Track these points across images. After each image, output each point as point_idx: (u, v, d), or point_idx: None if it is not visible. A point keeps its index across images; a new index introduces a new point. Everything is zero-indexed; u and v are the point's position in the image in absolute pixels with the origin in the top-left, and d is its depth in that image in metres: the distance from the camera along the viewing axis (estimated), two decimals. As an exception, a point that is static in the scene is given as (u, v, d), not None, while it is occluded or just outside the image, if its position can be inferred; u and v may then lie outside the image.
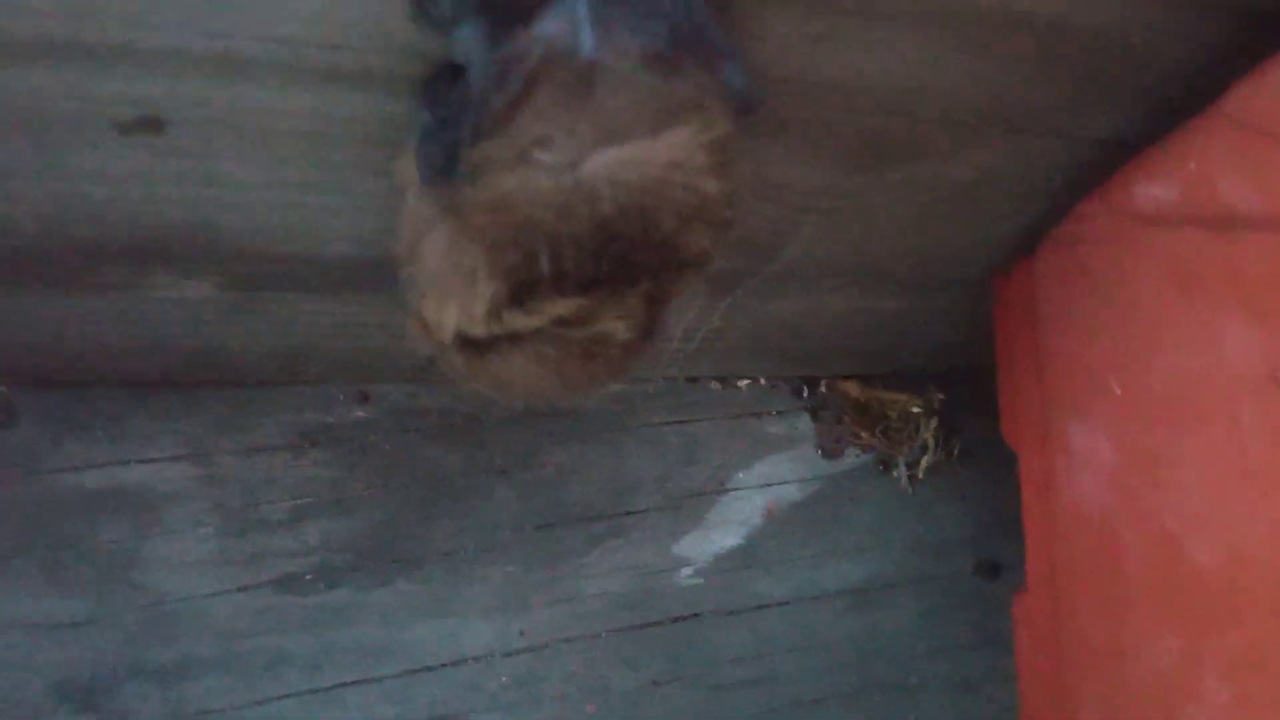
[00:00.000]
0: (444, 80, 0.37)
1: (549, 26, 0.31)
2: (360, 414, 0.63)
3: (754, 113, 0.35)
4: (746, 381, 0.72)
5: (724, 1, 0.34)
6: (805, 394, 0.73)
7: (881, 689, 0.73)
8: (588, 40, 0.30)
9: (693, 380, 0.71)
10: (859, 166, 0.47)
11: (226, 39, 0.35)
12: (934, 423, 0.75)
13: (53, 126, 0.38)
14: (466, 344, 0.41)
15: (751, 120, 0.35)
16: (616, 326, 0.40)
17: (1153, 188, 0.45)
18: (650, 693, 0.67)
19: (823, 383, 0.73)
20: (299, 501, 0.61)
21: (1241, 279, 0.39)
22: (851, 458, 0.74)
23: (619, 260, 0.35)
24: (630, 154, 0.32)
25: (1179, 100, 0.45)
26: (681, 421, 0.70)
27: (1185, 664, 0.43)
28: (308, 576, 0.61)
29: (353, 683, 0.61)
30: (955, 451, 0.75)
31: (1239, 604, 0.41)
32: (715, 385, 0.71)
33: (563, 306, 0.37)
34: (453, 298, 0.38)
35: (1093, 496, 0.49)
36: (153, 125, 0.38)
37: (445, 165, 0.37)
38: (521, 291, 0.36)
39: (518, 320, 0.38)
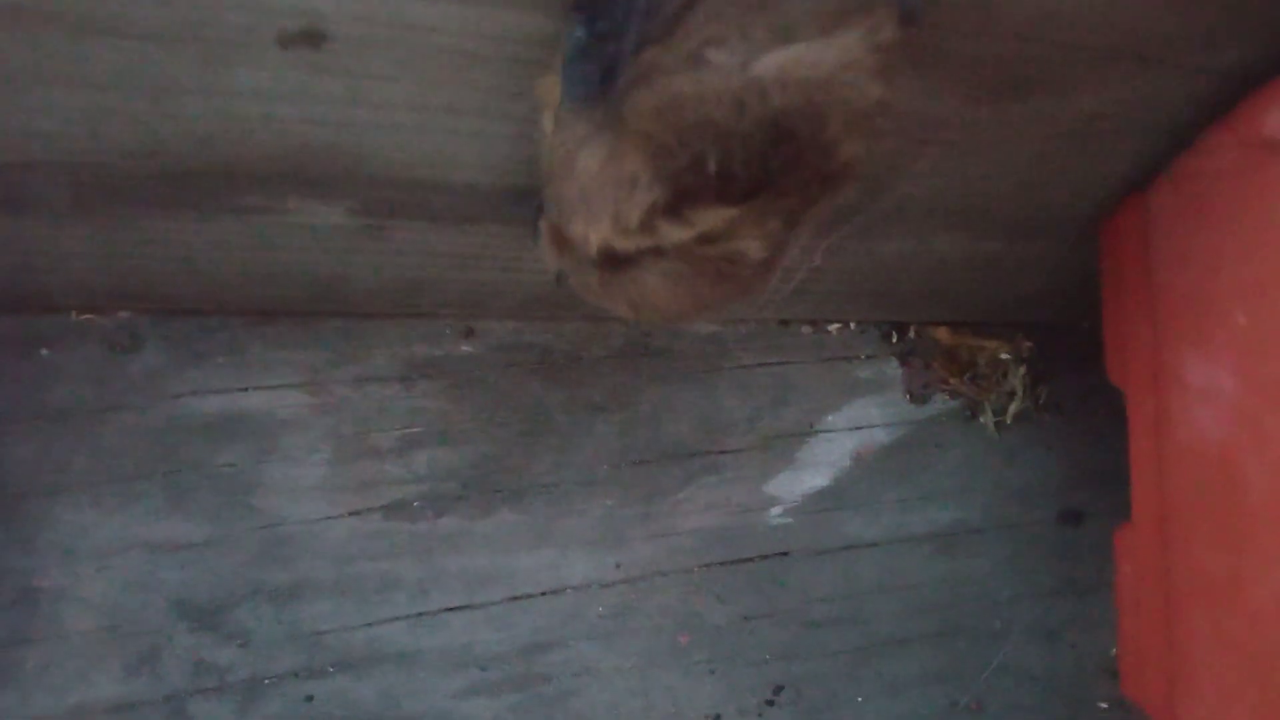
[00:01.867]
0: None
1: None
2: (466, 348, 0.64)
3: (916, 23, 0.35)
4: (837, 326, 0.72)
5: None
6: (894, 339, 0.74)
7: (966, 633, 0.74)
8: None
9: (784, 323, 0.71)
10: (984, 97, 0.48)
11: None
12: (1022, 370, 0.75)
13: (218, 40, 0.39)
14: (608, 259, 0.42)
15: (912, 32, 0.35)
16: (752, 245, 0.41)
17: (1276, 119, 0.45)
18: (740, 627, 0.69)
19: (912, 328, 0.74)
20: (408, 431, 0.62)
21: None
22: (939, 403, 0.74)
23: (782, 163, 0.35)
24: (802, 53, 0.33)
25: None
26: (773, 364, 0.71)
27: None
28: (416, 504, 0.62)
29: (458, 608, 0.63)
30: (1042, 400, 0.76)
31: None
32: (806, 329, 0.72)
33: (715, 217, 0.38)
34: (606, 210, 0.39)
35: (1211, 429, 0.50)
36: (314, 39, 0.40)
37: (603, 79, 0.38)
38: (682, 197, 0.37)
39: (668, 231, 0.39)
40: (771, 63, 0.33)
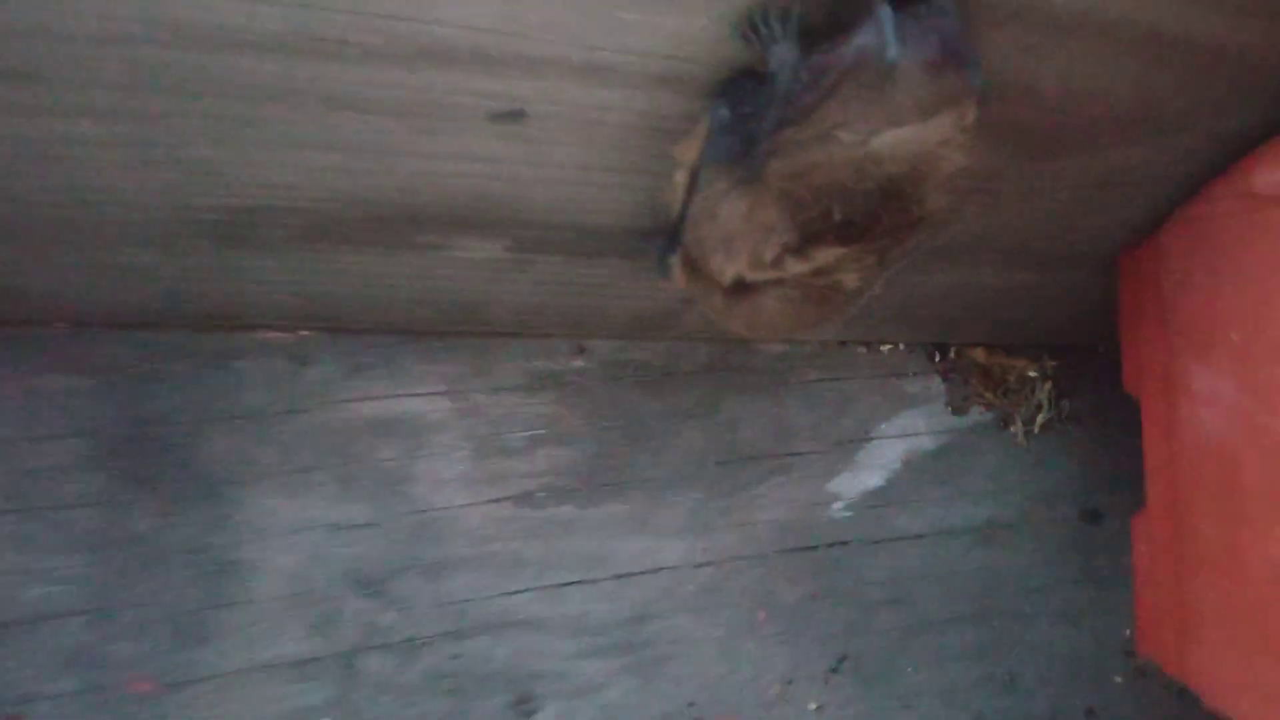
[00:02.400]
0: (745, 84, 0.49)
1: (862, 39, 0.43)
2: (578, 363, 0.75)
3: (985, 106, 0.47)
4: (888, 346, 0.84)
5: (967, 21, 0.46)
6: (937, 358, 0.85)
7: (1000, 615, 0.85)
8: (892, 51, 0.42)
9: (843, 344, 0.83)
10: (1028, 156, 0.59)
11: (598, 50, 0.47)
12: (1048, 386, 0.86)
13: (440, 116, 0.51)
14: (737, 288, 0.53)
15: (982, 113, 0.47)
16: (851, 277, 0.52)
17: (1268, 173, 0.56)
18: (808, 605, 0.79)
19: (952, 349, 0.85)
20: (532, 433, 0.74)
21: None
22: (976, 414, 0.85)
23: (883, 212, 0.47)
24: (910, 134, 0.44)
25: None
26: (833, 379, 0.82)
27: (1294, 547, 0.55)
28: (539, 494, 0.73)
29: (574, 583, 0.74)
30: (1065, 413, 0.87)
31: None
32: (861, 349, 0.83)
33: (830, 255, 0.49)
34: (745, 249, 0.50)
35: (1213, 426, 0.61)
36: (516, 116, 0.51)
37: (745, 149, 0.49)
38: (809, 240, 0.48)
39: (793, 266, 0.50)
40: (886, 141, 0.44)
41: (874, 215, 0.46)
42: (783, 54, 0.46)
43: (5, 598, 0.63)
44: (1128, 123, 0.57)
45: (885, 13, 0.42)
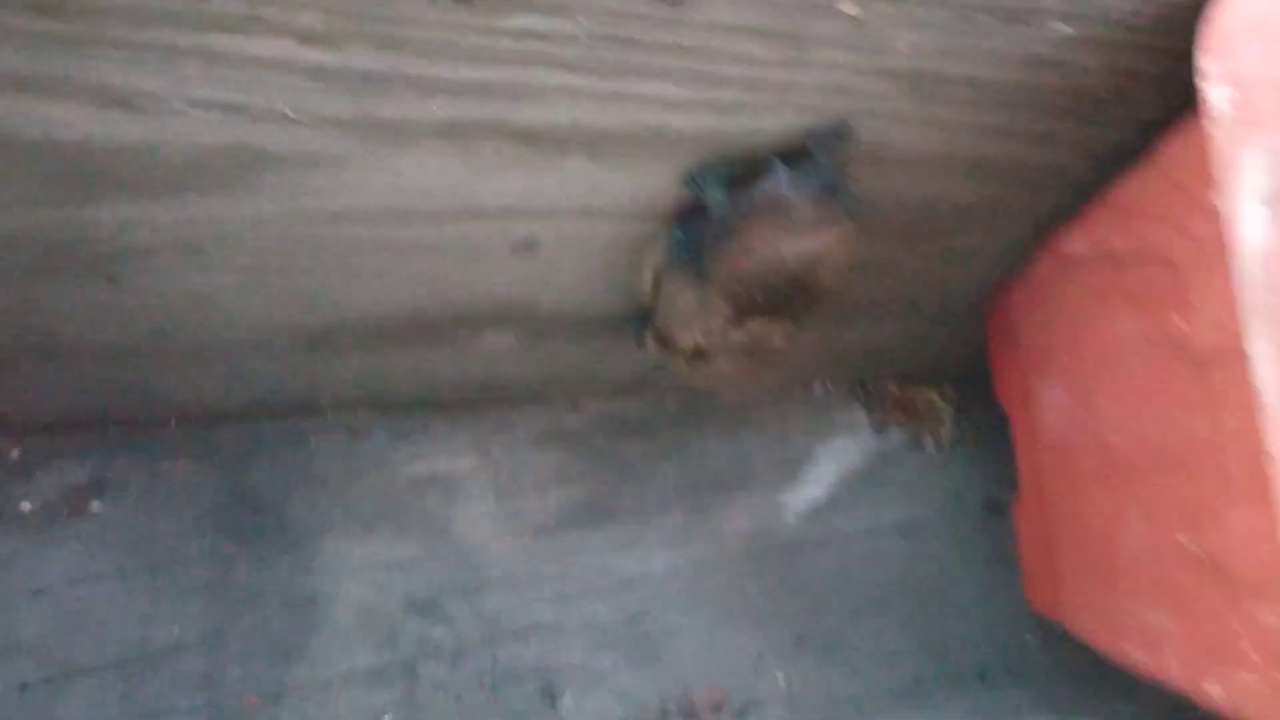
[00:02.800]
0: (692, 215, 0.69)
1: (767, 185, 0.64)
2: (573, 420, 0.95)
3: (857, 220, 0.68)
4: (818, 385, 1.04)
5: (840, 167, 0.67)
6: (860, 392, 1.06)
7: (928, 594, 1.04)
8: (787, 192, 0.63)
9: (783, 388, 1.03)
10: (898, 242, 0.80)
11: (590, 201, 0.67)
12: (950, 409, 1.07)
13: (480, 251, 0.71)
14: (696, 354, 0.74)
15: (855, 224, 0.68)
16: (777, 339, 0.73)
17: (1076, 244, 0.78)
18: (772, 594, 0.99)
19: (870, 384, 1.06)
20: (542, 477, 0.93)
21: (1123, 287, 0.72)
22: (894, 435, 1.06)
23: (794, 295, 0.67)
24: (808, 244, 0.65)
25: (1090, 191, 0.78)
26: (778, 416, 1.02)
27: (1116, 506, 0.76)
28: (551, 525, 0.92)
29: (583, 592, 0.92)
30: (966, 427, 1.08)
31: (1143, 466, 0.73)
32: (797, 388, 1.04)
33: (759, 325, 0.70)
34: (696, 325, 0.71)
35: (1057, 427, 0.82)
36: (531, 246, 0.71)
37: (693, 258, 0.70)
38: (742, 315, 0.68)
39: (733, 335, 0.70)
40: (789, 249, 0.65)
41: (787, 297, 0.67)
42: (715, 196, 0.66)
43: (141, 637, 0.81)
44: (966, 215, 0.78)
45: (779, 169, 0.63)
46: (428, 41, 0.51)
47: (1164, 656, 0.74)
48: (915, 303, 0.90)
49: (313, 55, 0.50)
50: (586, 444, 0.95)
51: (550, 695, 0.90)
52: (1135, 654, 0.77)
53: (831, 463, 1.03)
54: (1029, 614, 1.07)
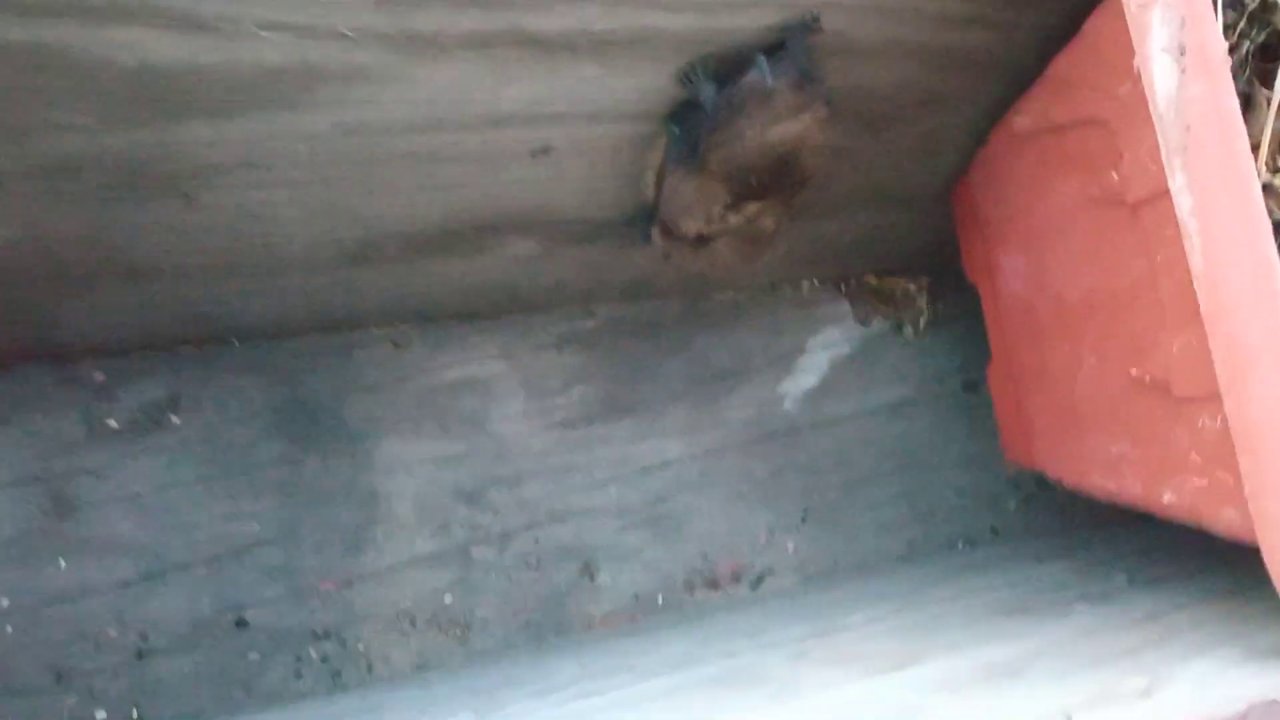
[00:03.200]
0: (688, 110, 0.79)
1: (751, 76, 0.74)
2: (589, 323, 1.05)
3: (831, 105, 0.78)
4: (806, 284, 1.15)
5: (814, 58, 0.77)
6: (842, 287, 1.16)
7: (915, 468, 1.15)
8: (769, 80, 0.73)
9: (774, 286, 1.14)
10: (866, 131, 0.90)
11: (598, 103, 0.77)
12: (924, 296, 1.18)
13: (499, 157, 0.80)
14: (698, 240, 0.84)
15: (829, 109, 0.78)
16: (768, 221, 0.83)
17: (1022, 119, 0.88)
18: (777, 476, 1.09)
19: (852, 279, 1.16)
20: (565, 377, 1.03)
21: (1065, 153, 0.83)
22: (877, 324, 1.17)
23: (781, 177, 0.77)
24: (790, 126, 0.75)
25: (1035, 72, 0.88)
26: (771, 313, 1.13)
27: (1075, 351, 0.87)
28: (577, 420, 1.03)
29: (611, 479, 1.03)
30: (940, 313, 1.18)
31: (1093, 312, 0.84)
32: (788, 289, 1.14)
33: (752, 208, 0.80)
34: (699, 212, 0.81)
35: (1018, 289, 0.93)
36: (547, 151, 0.81)
37: (691, 151, 0.79)
38: (738, 199, 0.78)
39: (731, 219, 0.81)
40: (774, 132, 0.75)
41: (776, 178, 0.77)
42: (707, 91, 0.76)
43: (222, 534, 0.91)
44: (926, 102, 0.88)
45: (761, 59, 0.73)
46: (460, -41, 0.61)
47: (1126, 479, 0.85)
48: (886, 191, 1.00)
49: (366, -24, 0.60)
50: (601, 345, 1.05)
51: (589, 571, 1.01)
52: (1102, 482, 0.88)
53: (822, 353, 1.14)
54: (1011, 484, 1.19)
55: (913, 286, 1.17)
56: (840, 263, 1.13)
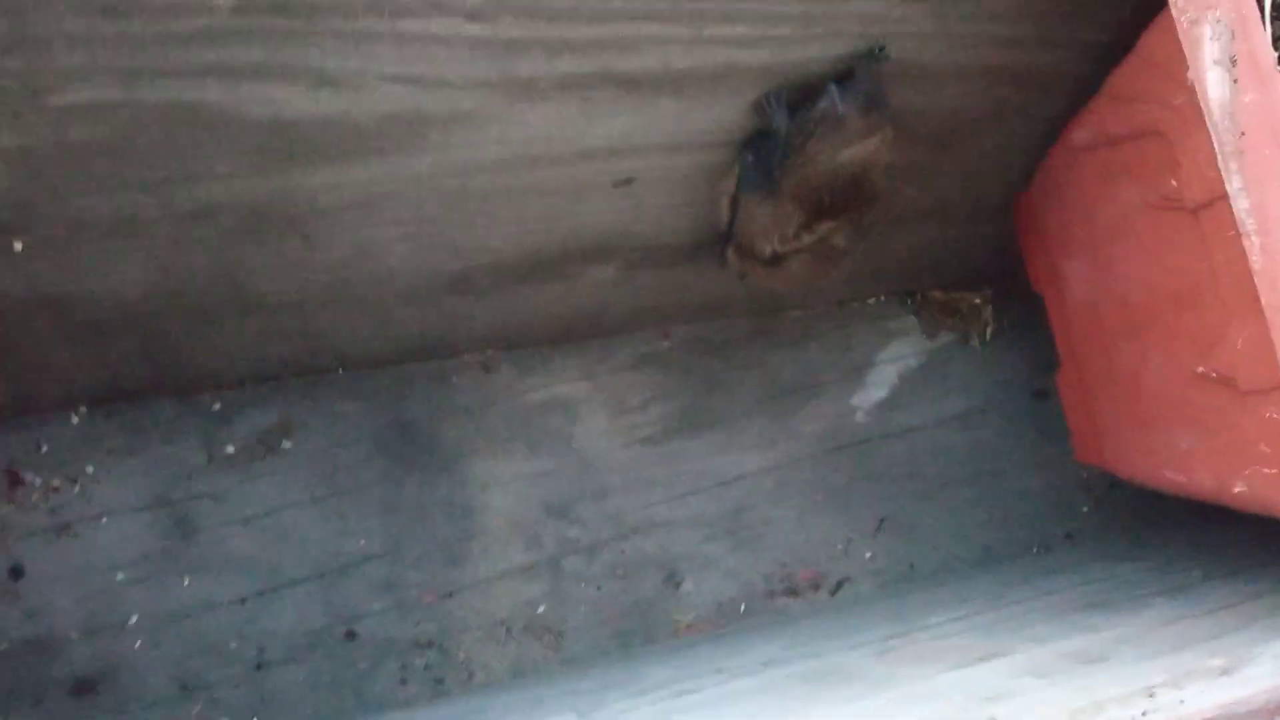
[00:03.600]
0: (761, 139, 0.84)
1: (823, 104, 0.79)
2: (665, 344, 1.10)
3: (898, 127, 0.82)
4: (873, 300, 1.19)
5: (880, 84, 0.82)
6: (909, 302, 1.20)
7: (988, 475, 1.18)
8: (840, 108, 0.78)
9: (841, 303, 1.18)
10: (935, 148, 0.95)
11: (677, 136, 0.82)
12: (989, 308, 1.21)
13: (584, 188, 0.86)
14: (773, 259, 0.88)
15: (896, 131, 0.83)
16: (840, 240, 0.87)
17: (1081, 133, 0.92)
18: (852, 486, 1.13)
19: (919, 293, 1.20)
20: (645, 396, 1.08)
21: (1124, 163, 0.86)
22: (944, 337, 1.20)
23: (852, 196, 0.82)
24: (859, 148, 0.80)
25: (1090, 88, 0.92)
26: (841, 328, 1.17)
27: (1141, 351, 0.90)
28: (657, 436, 1.07)
29: (691, 492, 1.07)
30: (1005, 324, 1.22)
31: (1158, 312, 0.87)
32: (855, 304, 1.18)
33: (825, 227, 0.85)
34: (774, 233, 0.86)
35: (1083, 295, 0.96)
36: (629, 182, 0.86)
37: (765, 176, 0.84)
38: (812, 219, 0.83)
39: (805, 238, 0.85)
40: (845, 155, 0.80)
41: (846, 198, 0.82)
42: (780, 119, 0.81)
43: (334, 551, 0.97)
44: (988, 119, 0.93)
45: (832, 88, 0.78)
46: (557, 9, 0.67)
47: (1196, 473, 0.88)
48: (950, 206, 1.04)
49: (473, 29, 0.66)
50: (677, 364, 1.10)
51: (674, 581, 1.05)
52: (1173, 477, 0.91)
53: (891, 366, 1.18)
54: (1083, 487, 1.21)
55: (978, 299, 1.21)
56: (907, 278, 1.17)
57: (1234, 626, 0.77)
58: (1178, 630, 0.78)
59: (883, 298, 1.19)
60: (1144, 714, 0.59)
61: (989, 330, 1.21)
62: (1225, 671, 0.66)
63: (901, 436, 1.16)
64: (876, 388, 1.17)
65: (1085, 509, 1.20)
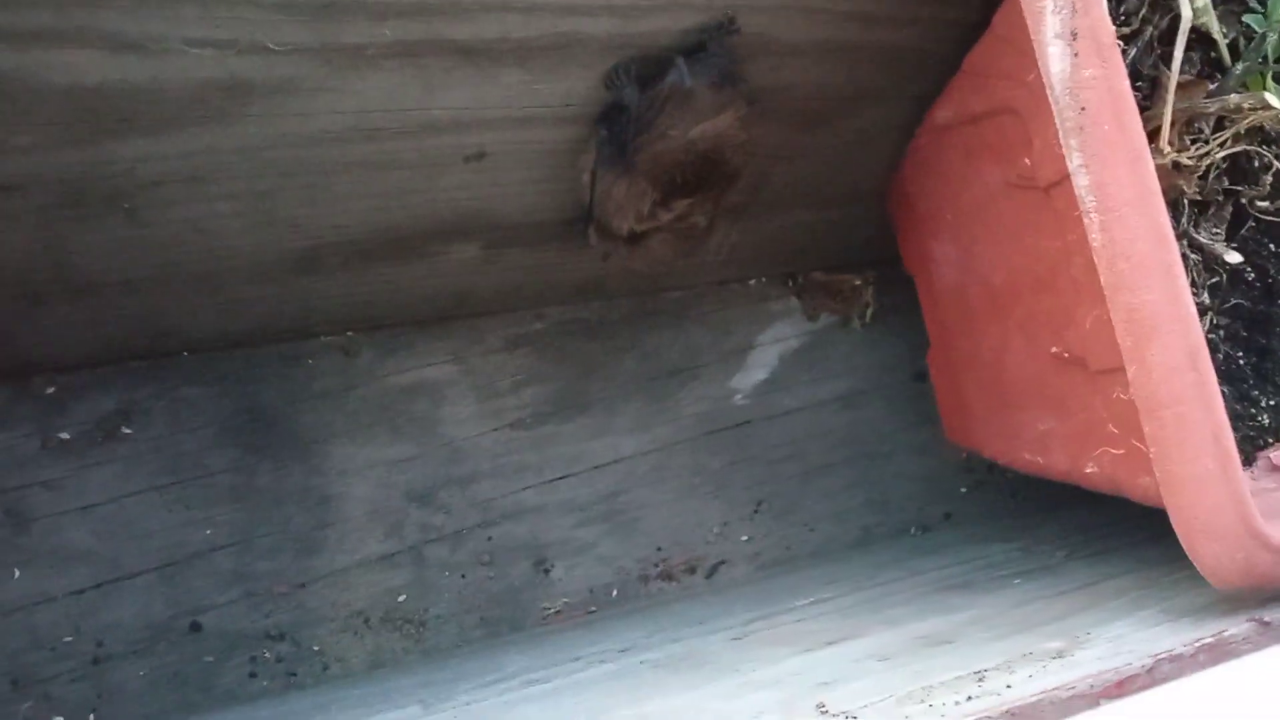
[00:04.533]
0: (614, 113, 0.82)
1: (671, 77, 0.76)
2: (538, 325, 1.07)
3: (752, 104, 0.80)
4: (754, 281, 1.17)
5: (734, 58, 0.80)
6: (790, 283, 1.19)
7: (868, 457, 1.18)
8: (687, 81, 0.76)
9: (722, 283, 1.16)
10: (798, 130, 0.93)
11: (528, 108, 0.80)
12: (870, 290, 1.20)
13: (436, 164, 0.82)
14: (631, 237, 0.86)
15: (751, 106, 0.80)
16: (700, 218, 0.85)
17: (943, 112, 0.91)
18: (730, 469, 1.11)
19: (800, 275, 1.19)
20: (515, 378, 1.05)
21: (984, 142, 0.85)
22: (824, 318, 1.19)
23: (707, 174, 0.80)
24: (710, 125, 0.77)
25: (953, 65, 0.91)
26: (721, 309, 1.15)
27: (1003, 333, 0.89)
28: (528, 419, 1.05)
29: (563, 477, 1.05)
30: (886, 306, 1.21)
31: (1018, 293, 0.87)
32: (736, 285, 1.17)
33: (682, 205, 0.83)
34: (630, 211, 0.83)
35: (950, 277, 0.95)
36: (481, 156, 0.83)
37: (619, 152, 0.82)
38: (667, 196, 0.81)
39: (661, 215, 0.83)
40: (696, 131, 0.78)
41: (701, 175, 0.80)
42: (631, 93, 0.79)
43: (179, 541, 0.92)
44: (855, 99, 0.91)
45: (680, 62, 0.76)
46: (376, -30, 0.63)
47: (1053, 454, 0.88)
48: (825, 188, 1.03)
49: (285, -10, 0.62)
50: (551, 346, 1.07)
51: (543, 567, 1.03)
52: (1031, 458, 0.91)
53: (772, 347, 1.16)
54: (962, 469, 1.21)
55: (859, 280, 1.20)
56: (787, 260, 1.16)
57: (1082, 607, 0.76)
58: (1028, 612, 0.78)
59: (764, 279, 1.17)
60: (968, 699, 0.58)
61: (870, 312, 1.20)
62: (1060, 655, 0.65)
63: (781, 418, 1.15)
64: (757, 369, 1.15)
65: (964, 490, 1.21)
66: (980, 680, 0.61)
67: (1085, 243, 0.75)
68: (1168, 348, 0.64)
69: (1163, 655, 0.61)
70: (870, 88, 0.91)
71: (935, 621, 0.79)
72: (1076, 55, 0.67)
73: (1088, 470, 0.83)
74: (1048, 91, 0.69)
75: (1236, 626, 0.63)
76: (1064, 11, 0.67)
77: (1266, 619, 0.64)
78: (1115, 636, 0.67)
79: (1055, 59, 0.68)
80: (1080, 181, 0.68)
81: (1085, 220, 0.68)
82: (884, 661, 0.70)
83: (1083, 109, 0.67)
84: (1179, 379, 0.63)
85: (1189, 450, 0.63)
